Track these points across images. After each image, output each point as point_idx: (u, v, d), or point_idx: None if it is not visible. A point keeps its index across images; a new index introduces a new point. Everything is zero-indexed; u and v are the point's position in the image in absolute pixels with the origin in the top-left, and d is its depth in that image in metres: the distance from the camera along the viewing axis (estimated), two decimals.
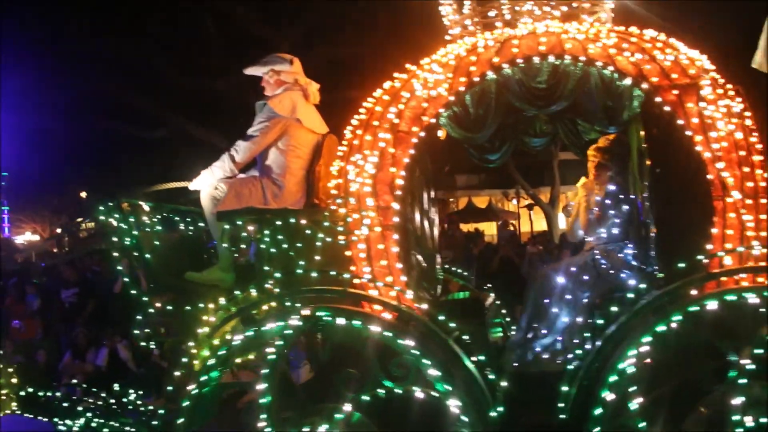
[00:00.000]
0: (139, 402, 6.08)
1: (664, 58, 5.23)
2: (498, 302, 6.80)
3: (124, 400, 6.08)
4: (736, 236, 5.11)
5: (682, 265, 4.80)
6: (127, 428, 5.73)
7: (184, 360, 5.08)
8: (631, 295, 4.91)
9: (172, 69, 20.31)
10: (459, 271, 7.20)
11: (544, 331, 5.68)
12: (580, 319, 5.50)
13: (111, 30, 19.89)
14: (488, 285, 7.10)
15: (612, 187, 5.90)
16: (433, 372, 4.68)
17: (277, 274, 5.24)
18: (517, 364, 5.58)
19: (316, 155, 5.97)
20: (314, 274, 5.19)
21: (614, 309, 4.91)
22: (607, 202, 5.84)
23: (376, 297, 4.96)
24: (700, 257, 4.85)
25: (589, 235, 5.91)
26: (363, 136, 5.47)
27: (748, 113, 5.49)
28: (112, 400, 6.07)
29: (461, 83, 5.24)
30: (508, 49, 5.29)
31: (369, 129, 5.45)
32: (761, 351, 4.71)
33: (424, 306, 5.08)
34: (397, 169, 5.29)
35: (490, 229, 30.54)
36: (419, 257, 5.71)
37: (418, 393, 4.88)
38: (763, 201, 5.25)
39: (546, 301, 5.71)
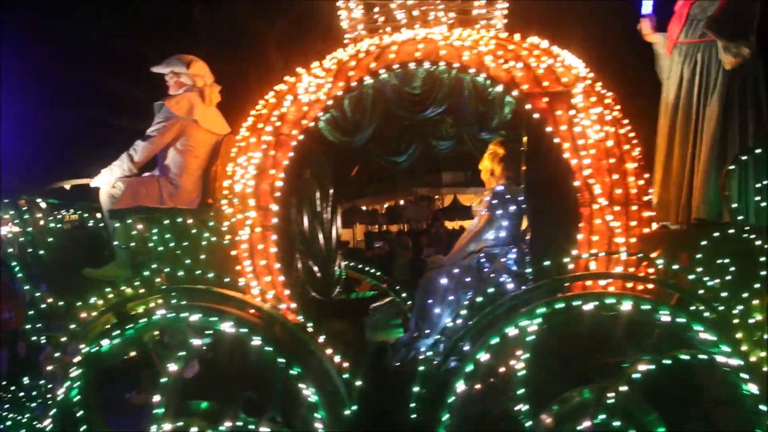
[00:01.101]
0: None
1: (537, 65, 5.31)
2: (401, 301, 6.92)
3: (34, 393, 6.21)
4: (603, 242, 5.21)
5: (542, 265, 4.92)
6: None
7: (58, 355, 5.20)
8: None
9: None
10: (371, 270, 7.30)
11: (427, 331, 5.78)
12: (459, 321, 5.59)
13: (99, 16, 20.00)
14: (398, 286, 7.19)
15: (499, 188, 5.97)
16: (292, 371, 4.79)
17: (147, 272, 5.35)
18: (398, 364, 5.70)
19: (214, 155, 6.12)
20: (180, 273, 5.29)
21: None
22: (494, 202, 5.90)
23: (235, 294, 5.07)
24: (547, 262, 4.92)
25: (481, 237, 5.97)
26: (249, 138, 5.60)
27: (625, 121, 5.60)
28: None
29: (340, 88, 5.35)
30: (387, 55, 5.40)
31: (255, 131, 5.57)
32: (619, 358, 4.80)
33: (293, 305, 5.19)
34: (277, 171, 5.40)
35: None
36: (308, 257, 5.84)
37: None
38: (634, 208, 5.36)
39: (430, 301, 5.81)
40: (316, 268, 5.98)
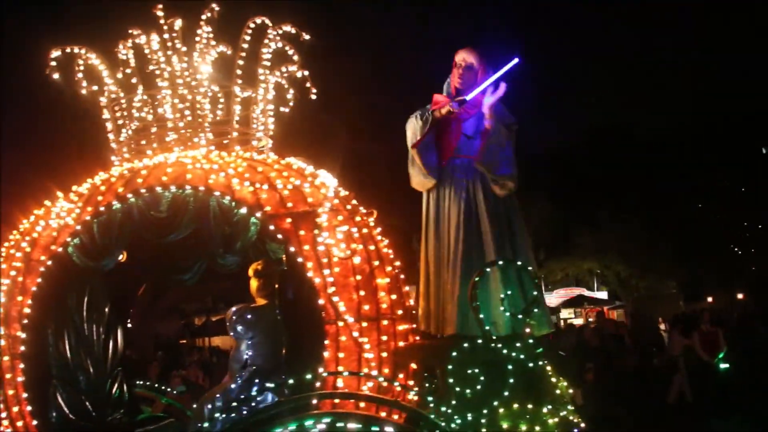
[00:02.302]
0: None
1: (284, 186, 5.46)
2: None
3: None
4: (353, 358, 5.30)
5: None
6: None
7: None
8: None
9: None
10: (162, 387, 7.16)
11: None
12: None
13: None
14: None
15: (232, 309, 5.84)
16: None
17: None
18: None
19: None
20: None
21: None
22: (229, 323, 5.79)
23: None
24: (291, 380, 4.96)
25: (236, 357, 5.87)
26: (9, 261, 5.55)
27: (379, 237, 5.78)
28: None
29: (88, 212, 5.39)
30: (136, 179, 5.48)
31: (8, 258, 5.53)
32: None
33: None
34: (24, 298, 5.35)
35: None
36: (69, 384, 5.73)
37: None
38: (385, 322, 5.49)
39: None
40: (81, 394, 5.85)
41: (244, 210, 5.30)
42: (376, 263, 5.57)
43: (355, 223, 5.65)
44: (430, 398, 4.95)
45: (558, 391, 5.70)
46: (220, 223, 5.32)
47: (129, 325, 6.84)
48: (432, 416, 4.87)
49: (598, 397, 10.55)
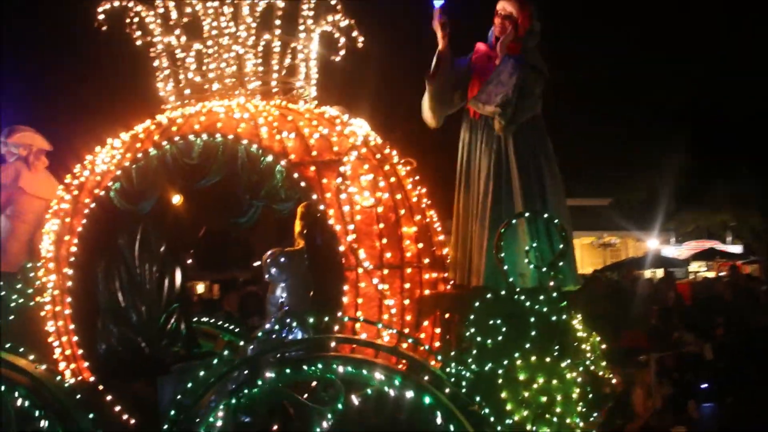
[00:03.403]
0: None
1: (310, 135, 5.56)
2: None
3: None
4: (372, 304, 5.41)
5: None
6: None
7: None
8: None
9: None
10: (225, 325, 7.52)
11: None
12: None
13: None
14: None
15: (268, 253, 5.96)
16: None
17: None
18: None
19: (43, 220, 6.46)
20: None
21: None
22: (265, 266, 5.97)
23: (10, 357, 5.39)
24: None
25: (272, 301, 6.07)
26: (59, 203, 5.95)
27: (409, 186, 5.82)
28: None
29: (127, 159, 5.67)
30: (171, 127, 5.71)
31: (59, 201, 5.92)
32: None
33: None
34: (71, 238, 5.72)
35: None
36: (117, 317, 6.10)
37: None
38: (409, 271, 5.56)
39: None
40: (131, 328, 6.20)
41: (270, 158, 5.43)
42: (402, 212, 5.62)
43: (384, 172, 5.70)
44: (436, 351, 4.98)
45: (584, 346, 5.64)
46: (247, 171, 5.48)
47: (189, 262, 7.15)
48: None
49: (727, 354, 10.27)
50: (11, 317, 5.93)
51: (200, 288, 22.52)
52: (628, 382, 8.83)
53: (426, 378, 4.86)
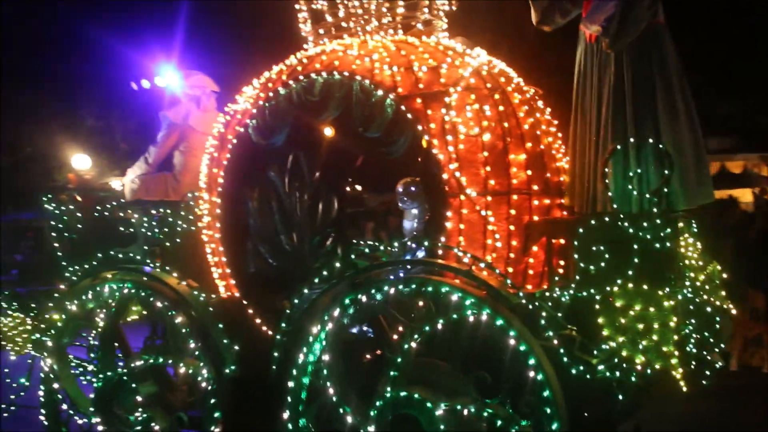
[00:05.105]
0: None
1: (419, 68, 5.81)
2: None
3: None
4: (477, 230, 5.64)
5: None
6: None
7: None
8: None
9: None
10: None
11: None
12: None
13: None
14: None
15: (403, 181, 6.37)
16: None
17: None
18: None
19: None
20: None
21: None
22: (398, 196, 6.34)
23: (159, 274, 6.24)
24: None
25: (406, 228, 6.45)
26: (211, 139, 6.72)
27: (521, 114, 5.91)
28: None
29: (261, 98, 6.26)
30: (297, 67, 6.21)
31: (213, 135, 6.68)
32: None
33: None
34: (218, 170, 6.46)
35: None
36: (265, 240, 6.79)
37: None
38: (515, 198, 5.71)
39: None
40: (282, 249, 6.84)
41: (380, 92, 5.76)
42: (509, 140, 5.74)
43: (493, 101, 5.83)
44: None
45: (693, 274, 5.50)
46: (361, 105, 5.84)
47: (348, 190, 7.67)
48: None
49: None
50: (178, 240, 6.84)
51: None
52: None
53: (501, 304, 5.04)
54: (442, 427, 5.10)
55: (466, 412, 5.12)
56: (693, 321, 5.29)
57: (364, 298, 5.41)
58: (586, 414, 5.06)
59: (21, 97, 24.35)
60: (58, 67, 24.43)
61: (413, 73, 5.81)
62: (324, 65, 6.03)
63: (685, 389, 4.99)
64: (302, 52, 6.49)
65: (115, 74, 19.88)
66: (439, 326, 5.20)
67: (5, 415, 7.00)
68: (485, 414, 5.10)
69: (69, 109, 25.60)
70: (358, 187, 8.87)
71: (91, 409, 6.36)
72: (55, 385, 6.69)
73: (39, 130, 24.91)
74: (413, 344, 5.24)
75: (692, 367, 5.25)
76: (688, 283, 5.30)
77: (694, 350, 5.19)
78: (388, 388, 5.24)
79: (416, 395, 5.19)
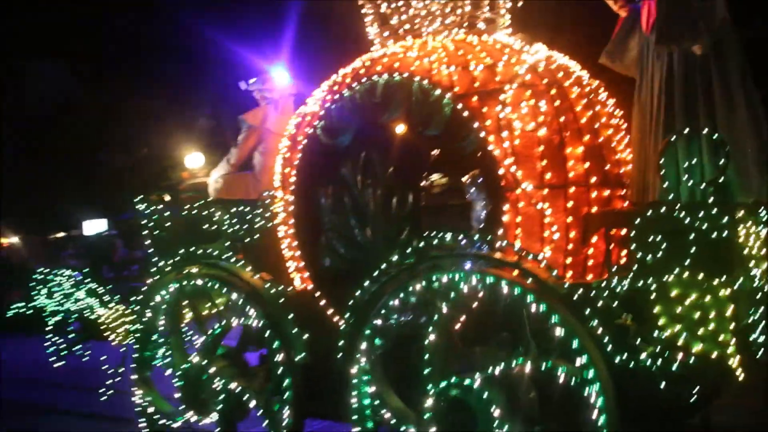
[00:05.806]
0: None
1: (476, 67, 5.99)
2: None
3: None
4: (535, 223, 5.78)
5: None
6: None
7: None
8: None
9: None
10: None
11: None
12: None
13: None
14: None
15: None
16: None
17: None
18: None
19: None
20: None
21: None
22: (468, 188, 6.55)
23: (235, 268, 6.65)
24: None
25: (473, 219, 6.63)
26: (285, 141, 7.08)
27: (579, 108, 6.01)
28: None
29: (327, 100, 6.57)
30: (359, 70, 6.48)
31: (286, 136, 7.04)
32: None
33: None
34: (290, 170, 6.82)
35: None
36: (338, 234, 7.09)
37: None
38: (572, 190, 5.82)
39: None
40: (355, 241, 7.11)
41: (438, 91, 5.96)
42: (567, 133, 5.84)
43: (550, 96, 5.94)
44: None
45: (753, 263, 5.48)
46: (420, 105, 6.06)
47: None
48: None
49: None
50: (257, 237, 7.25)
51: None
52: None
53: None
54: (486, 395, 5.22)
55: (497, 371, 5.27)
56: (757, 310, 5.28)
57: (419, 288, 5.62)
58: (642, 407, 5.14)
59: (136, 100, 25.77)
60: (170, 69, 25.71)
61: (470, 72, 5.99)
62: (385, 67, 6.27)
63: (741, 378, 5.01)
64: (367, 55, 6.75)
65: (224, 75, 20.70)
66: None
67: (102, 399, 7.61)
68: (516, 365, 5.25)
69: (182, 111, 26.94)
70: (432, 181, 8.98)
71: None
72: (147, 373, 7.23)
73: (154, 132, 26.27)
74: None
75: (755, 355, 5.26)
76: (753, 273, 5.29)
77: (760, 338, 5.19)
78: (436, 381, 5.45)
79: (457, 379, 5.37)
